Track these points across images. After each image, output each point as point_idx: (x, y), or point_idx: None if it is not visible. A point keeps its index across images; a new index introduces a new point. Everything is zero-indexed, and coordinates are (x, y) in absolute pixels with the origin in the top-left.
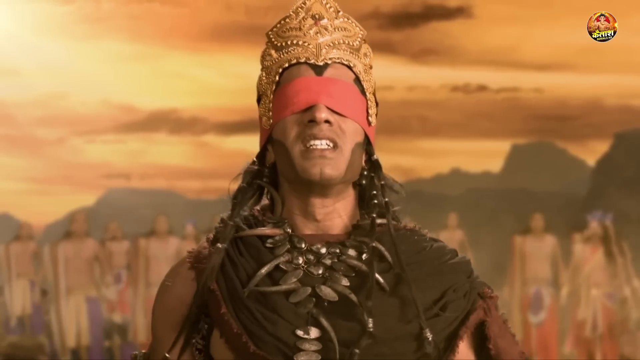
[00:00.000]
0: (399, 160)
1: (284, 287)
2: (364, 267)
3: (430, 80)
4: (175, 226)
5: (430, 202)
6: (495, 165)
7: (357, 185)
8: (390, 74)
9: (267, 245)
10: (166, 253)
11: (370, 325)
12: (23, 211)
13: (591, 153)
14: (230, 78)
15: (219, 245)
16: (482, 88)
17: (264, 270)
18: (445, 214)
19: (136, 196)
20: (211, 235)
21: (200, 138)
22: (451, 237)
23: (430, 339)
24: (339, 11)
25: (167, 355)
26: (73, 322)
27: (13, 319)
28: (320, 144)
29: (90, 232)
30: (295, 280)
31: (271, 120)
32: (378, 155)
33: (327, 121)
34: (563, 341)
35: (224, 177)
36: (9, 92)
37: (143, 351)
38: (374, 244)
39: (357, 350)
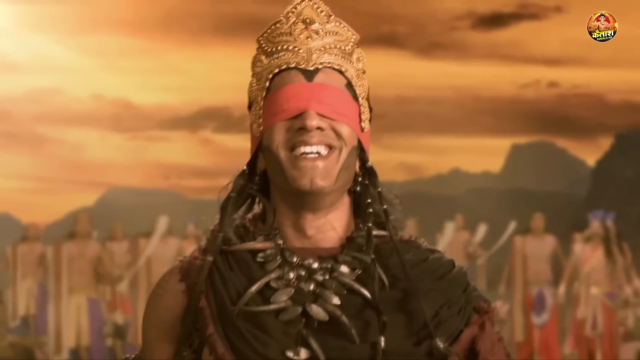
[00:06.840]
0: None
1: (273, 306)
2: (355, 286)
3: (499, 78)
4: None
5: (431, 201)
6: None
7: (351, 192)
8: (461, 71)
9: (258, 259)
10: (167, 253)
11: (383, 344)
12: (22, 210)
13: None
14: None
15: (208, 258)
16: (553, 84)
17: (253, 289)
18: (447, 213)
19: (137, 196)
20: (203, 244)
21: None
22: (458, 238)
23: (442, 346)
24: (330, 15)
25: None
26: (73, 322)
27: (17, 319)
28: (311, 150)
29: (92, 231)
30: (286, 298)
31: (261, 127)
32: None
33: (318, 128)
34: (563, 340)
35: None
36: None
37: (134, 355)
38: (372, 257)
39: None
